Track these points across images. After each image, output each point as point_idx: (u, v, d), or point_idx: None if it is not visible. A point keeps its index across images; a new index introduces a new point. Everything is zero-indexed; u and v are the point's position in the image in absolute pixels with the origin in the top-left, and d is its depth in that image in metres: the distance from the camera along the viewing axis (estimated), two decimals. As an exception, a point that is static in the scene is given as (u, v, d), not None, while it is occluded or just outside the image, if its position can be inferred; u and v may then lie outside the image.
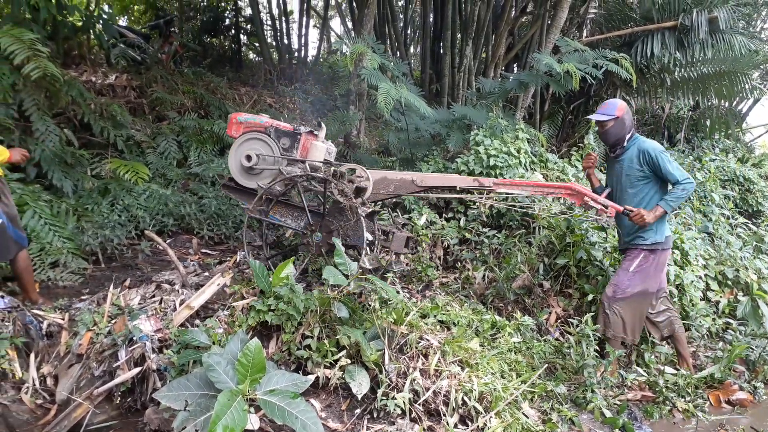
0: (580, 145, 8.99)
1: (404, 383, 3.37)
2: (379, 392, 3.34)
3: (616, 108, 4.19)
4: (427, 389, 3.37)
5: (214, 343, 3.49)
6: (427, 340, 3.67)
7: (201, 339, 3.45)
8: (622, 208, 4.05)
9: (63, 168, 6.34)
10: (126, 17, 14.83)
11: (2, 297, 3.91)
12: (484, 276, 5.25)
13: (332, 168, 4.40)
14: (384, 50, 6.88)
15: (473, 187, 4.41)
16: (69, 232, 5.55)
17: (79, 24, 7.63)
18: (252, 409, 2.92)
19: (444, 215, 6.26)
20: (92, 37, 8.80)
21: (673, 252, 4.84)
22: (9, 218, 4.10)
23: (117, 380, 3.54)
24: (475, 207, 5.95)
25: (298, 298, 3.68)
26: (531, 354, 4.10)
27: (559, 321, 4.72)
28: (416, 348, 3.59)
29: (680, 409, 3.92)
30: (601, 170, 6.65)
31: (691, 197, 7.43)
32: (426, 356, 3.57)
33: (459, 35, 11.77)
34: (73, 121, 7.38)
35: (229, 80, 11.99)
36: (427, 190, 4.52)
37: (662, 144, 11.38)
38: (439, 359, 3.51)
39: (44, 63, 5.33)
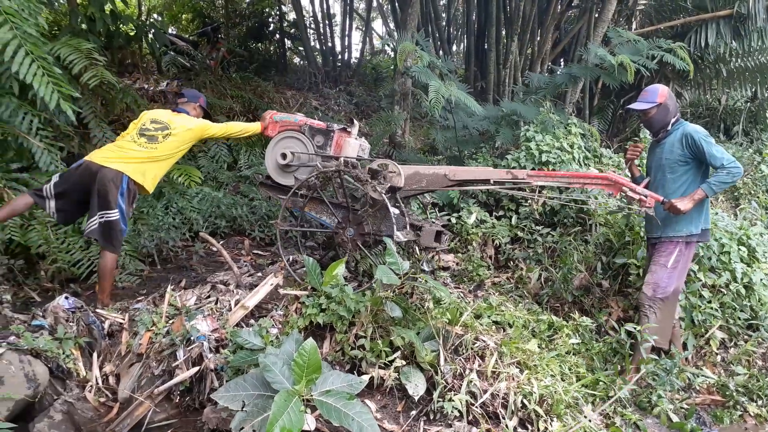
0: (635, 139, 8.69)
1: (461, 385, 3.30)
2: (436, 394, 3.28)
3: (657, 94, 4.00)
4: (485, 391, 3.28)
5: (267, 345, 3.49)
6: (483, 341, 3.58)
7: (254, 341, 3.46)
8: (661, 198, 3.81)
9: (119, 173, 6.50)
10: (175, 26, 15.20)
11: (67, 298, 4.02)
12: (539, 276, 5.12)
13: (357, 163, 4.36)
14: (429, 48, 6.81)
15: (506, 180, 4.27)
16: (127, 235, 5.68)
17: (132, 33, 7.83)
18: (308, 410, 2.90)
19: (494, 213, 6.15)
20: (144, 45, 9.04)
21: (739, 248, 4.59)
22: (123, 219, 4.38)
23: (176, 379, 3.59)
24: (527, 204, 5.81)
25: (349, 297, 3.65)
26: (590, 356, 3.96)
27: (619, 322, 4.55)
28: (472, 349, 3.51)
29: (752, 413, 3.72)
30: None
31: (756, 190, 7.08)
32: (482, 357, 3.49)
33: (504, 31, 11.61)
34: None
35: (275, 84, 12.15)
36: (461, 184, 4.42)
37: (719, 137, 10.94)
38: (496, 360, 3.42)
39: (101, 71, 5.48)
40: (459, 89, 6.11)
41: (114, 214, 4.31)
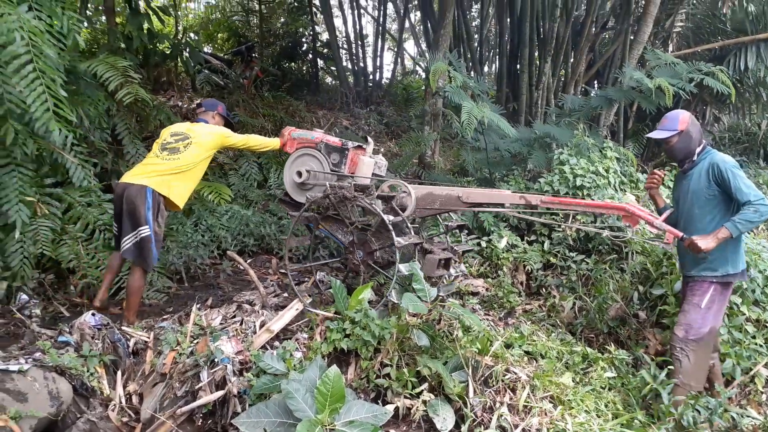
0: (661, 167, 8.46)
1: (491, 419, 3.16)
2: (464, 427, 3.15)
3: (678, 121, 3.70)
4: (516, 426, 3.14)
5: (290, 370, 3.40)
6: (515, 372, 3.44)
7: (277, 366, 3.38)
8: (681, 234, 3.52)
9: (150, 189, 6.56)
10: (210, 45, 15.49)
11: (93, 314, 4.01)
12: (573, 304, 4.95)
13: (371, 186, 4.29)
14: (462, 69, 6.75)
15: (520, 205, 4.13)
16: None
17: (168, 51, 7.97)
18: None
19: (526, 238, 6.00)
20: (179, 63, 9.18)
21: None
22: (155, 237, 4.41)
23: (199, 402, 3.53)
24: (561, 230, 5.66)
25: (374, 323, 3.55)
26: (627, 391, 3.76)
27: (656, 355, 4.34)
28: (503, 381, 3.37)
29: (802, 459, 3.48)
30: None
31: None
32: (514, 390, 3.35)
33: (537, 52, 11.52)
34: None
35: (307, 103, 12.23)
36: (474, 206, 4.30)
37: (758, 163, 10.59)
38: (528, 394, 3.28)
39: (135, 88, 5.55)
40: (492, 110, 6.02)
41: (145, 230, 4.32)
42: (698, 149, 3.72)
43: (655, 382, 3.57)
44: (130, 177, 4.42)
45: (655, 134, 3.81)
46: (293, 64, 15.25)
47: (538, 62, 11.50)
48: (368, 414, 2.84)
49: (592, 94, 7.44)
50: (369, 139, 4.69)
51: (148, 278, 5.39)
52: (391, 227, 3.83)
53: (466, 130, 5.59)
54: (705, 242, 3.41)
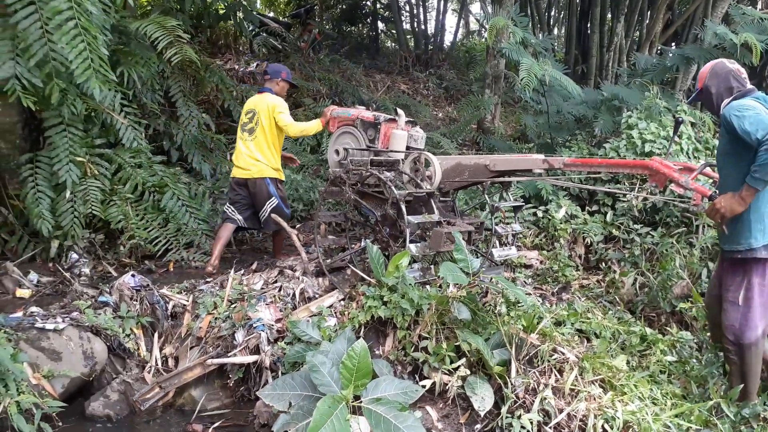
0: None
1: (533, 401, 2.92)
2: (504, 409, 2.92)
3: (698, 80, 3.15)
4: (561, 411, 2.88)
5: (324, 339, 3.27)
6: (562, 353, 3.16)
7: (312, 334, 3.26)
8: (709, 193, 2.94)
9: (203, 152, 6.57)
10: (271, 9, 15.41)
11: (133, 275, 4.02)
12: (634, 280, 4.56)
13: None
14: (525, 26, 6.30)
15: (543, 168, 3.78)
16: (204, 214, 5.71)
17: (222, 12, 7.88)
18: (359, 417, 2.64)
19: (588, 208, 5.60)
20: (232, 24, 9.11)
21: None
22: (282, 199, 4.91)
23: (231, 359, 3.48)
24: (625, 200, 5.23)
25: (413, 291, 3.35)
26: (688, 379, 3.41)
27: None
28: (549, 361, 3.10)
29: None
30: None
31: None
32: (560, 372, 3.08)
33: (609, 12, 10.78)
34: (216, 107, 7.67)
35: (365, 67, 11.98)
36: (502, 175, 3.98)
37: None
38: (576, 377, 3.00)
39: (184, 48, 5.46)
40: (555, 69, 5.59)
41: (273, 201, 4.86)
42: (725, 102, 3.00)
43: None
44: (242, 172, 4.85)
45: (689, 101, 3.28)
46: (353, 27, 14.99)
47: (610, 22, 10.78)
48: (398, 391, 2.67)
49: (669, 54, 6.80)
50: (399, 111, 4.47)
51: (195, 240, 5.43)
52: (402, 205, 3.60)
53: (525, 89, 5.21)
54: (727, 202, 2.80)
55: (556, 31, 17.02)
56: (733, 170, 2.89)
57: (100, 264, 4.95)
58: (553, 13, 16.24)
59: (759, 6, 11.56)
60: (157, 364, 3.68)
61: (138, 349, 3.69)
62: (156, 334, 3.83)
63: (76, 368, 3.18)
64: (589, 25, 10.65)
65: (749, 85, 3.01)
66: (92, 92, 4.24)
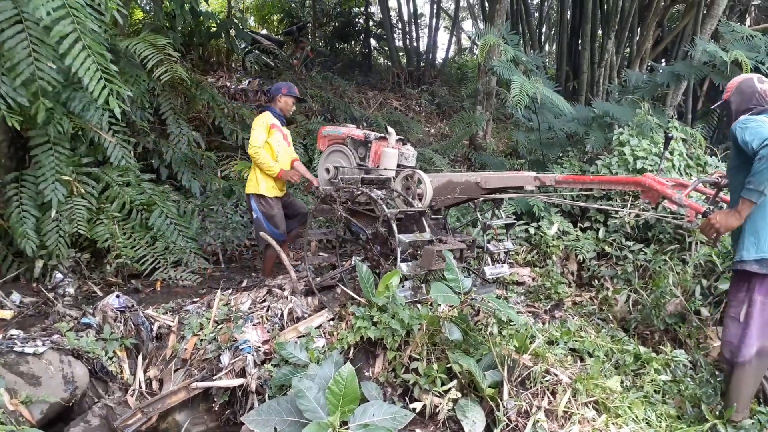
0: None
1: (525, 425, 2.85)
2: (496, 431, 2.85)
3: (726, 91, 3.15)
4: (554, 434, 2.82)
5: (312, 361, 3.19)
6: (555, 374, 3.10)
7: (299, 355, 3.18)
8: (703, 209, 2.90)
9: (192, 169, 6.51)
10: (264, 26, 15.46)
11: (118, 296, 3.94)
12: (627, 298, 4.51)
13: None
14: (517, 44, 6.31)
15: (535, 185, 3.75)
16: (193, 232, 5.64)
17: (213, 30, 7.87)
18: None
19: (579, 224, 5.57)
20: (223, 42, 9.11)
21: None
22: (266, 217, 4.84)
23: (216, 383, 3.40)
24: (618, 216, 5.19)
25: (403, 311, 3.28)
26: (683, 398, 3.34)
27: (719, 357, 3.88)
28: (542, 383, 3.04)
29: None
30: None
31: None
32: (553, 394, 3.01)
33: (600, 29, 10.86)
34: (207, 125, 7.64)
35: (357, 84, 12.00)
36: (495, 192, 3.95)
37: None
38: (569, 399, 2.94)
39: (173, 66, 5.43)
40: (546, 86, 5.58)
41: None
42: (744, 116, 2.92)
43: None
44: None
45: (716, 106, 3.27)
46: (345, 44, 15.05)
47: (601, 39, 10.86)
48: (386, 416, 2.59)
49: (659, 71, 6.82)
50: (390, 129, 4.44)
51: (184, 259, 5.35)
52: (393, 223, 3.55)
53: (516, 107, 5.19)
54: (723, 218, 2.75)
55: (547, 47, 17.16)
56: (740, 185, 2.79)
57: (86, 284, 4.86)
58: (544, 30, 16.37)
59: (747, 22, 11.70)
60: (140, 388, 3.59)
61: (121, 372, 3.60)
62: (140, 357, 3.74)
63: (55, 393, 3.08)
64: (579, 41, 10.71)
65: None
66: (114, 112, 4.20)
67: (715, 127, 10.41)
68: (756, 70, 5.57)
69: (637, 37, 10.75)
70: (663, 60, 11.65)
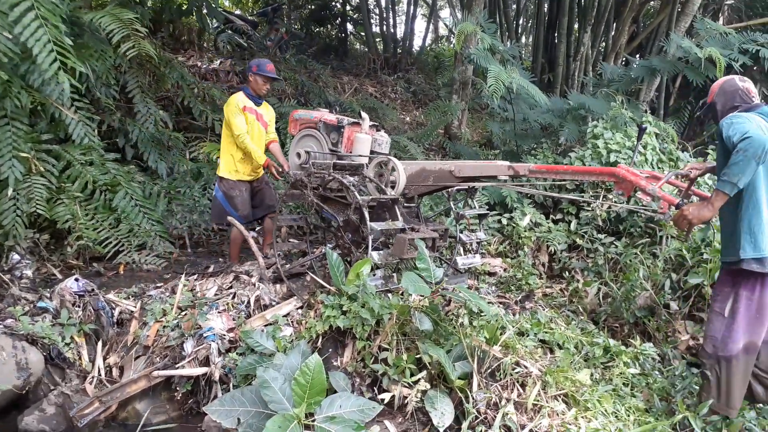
0: (712, 147, 7.79)
1: (495, 417, 2.81)
2: (465, 425, 2.80)
3: (709, 94, 3.15)
4: (523, 427, 2.78)
5: (279, 351, 3.11)
6: (525, 366, 3.07)
7: (266, 344, 3.09)
8: (676, 201, 2.86)
9: (159, 150, 6.31)
10: (239, 7, 15.11)
11: (77, 280, 3.78)
12: (597, 290, 4.52)
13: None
14: (494, 32, 6.25)
15: (509, 175, 3.72)
16: (159, 215, 5.47)
17: (184, 7, 7.62)
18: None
19: (552, 216, 5.57)
20: (194, 20, 8.84)
21: None
22: (225, 197, 4.69)
23: (179, 371, 3.29)
24: (589, 209, 5.20)
25: (373, 300, 3.21)
26: (651, 392, 3.36)
27: (689, 351, 3.92)
28: (511, 375, 3.01)
29: None
30: None
31: None
32: (523, 386, 2.99)
33: (576, 22, 10.88)
34: (176, 104, 7.41)
35: (332, 69, 11.81)
36: (467, 181, 3.90)
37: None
38: (539, 391, 2.91)
39: (140, 42, 5.22)
40: (522, 77, 5.54)
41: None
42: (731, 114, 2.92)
43: (683, 403, 2.99)
44: None
45: (700, 112, 3.25)
46: (321, 28, 14.81)
47: (577, 33, 10.89)
48: (354, 408, 2.53)
49: (633, 65, 6.84)
50: (363, 114, 4.35)
51: (149, 242, 5.19)
52: (365, 210, 3.48)
53: (493, 96, 5.13)
54: (695, 209, 2.72)
55: (523, 39, 17.15)
56: None
57: (45, 266, 4.67)
58: (521, 22, 16.36)
59: (720, 21, 11.85)
60: (99, 375, 3.45)
61: (79, 358, 3.45)
62: (100, 343, 3.59)
63: (8, 380, 2.94)
64: (556, 34, 10.73)
65: (756, 102, 2.99)
66: (62, 87, 4.00)
67: (686, 123, 10.55)
68: (729, 67, 5.62)
69: (613, 32, 10.82)
70: (637, 55, 11.75)
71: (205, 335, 3.41)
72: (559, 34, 10.43)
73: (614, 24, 10.86)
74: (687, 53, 5.58)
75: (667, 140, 5.71)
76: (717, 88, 3.10)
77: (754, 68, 8.17)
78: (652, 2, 11.81)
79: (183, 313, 3.69)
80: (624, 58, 9.76)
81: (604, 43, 10.96)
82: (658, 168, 5.30)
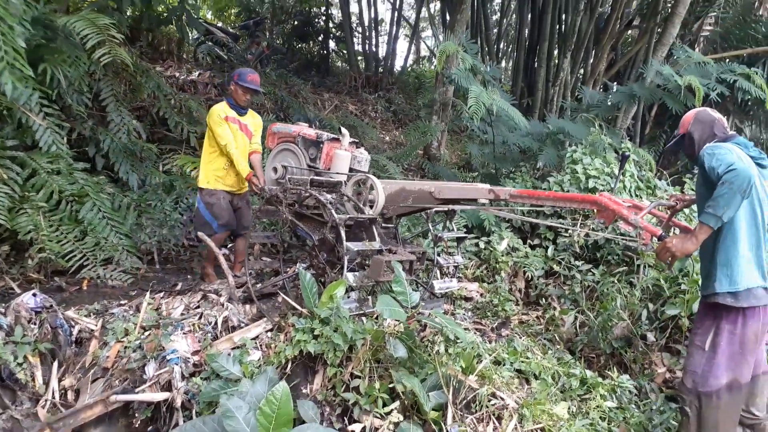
0: (689, 176, 7.84)
1: (469, 451, 2.71)
2: (438, 459, 2.69)
3: (680, 125, 3.10)
4: (498, 463, 2.68)
5: (245, 376, 2.96)
6: (502, 398, 2.97)
7: (232, 369, 2.94)
8: (659, 232, 2.78)
9: (131, 161, 6.13)
10: (221, 19, 15.03)
11: (35, 295, 3.57)
12: (574, 319, 4.46)
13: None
14: (476, 53, 6.25)
15: (489, 199, 3.67)
16: (127, 229, 5.29)
17: (164, 16, 7.48)
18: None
19: (529, 241, 5.52)
20: (173, 29, 8.71)
21: None
22: (205, 205, 4.55)
23: (138, 396, 3.10)
24: (567, 235, 5.17)
25: (347, 324, 3.08)
26: (627, 426, 3.28)
27: (664, 383, 3.86)
28: (487, 407, 2.91)
29: None
30: None
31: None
32: (499, 419, 2.89)
33: (556, 48, 11.02)
34: (151, 115, 7.24)
35: (313, 85, 11.75)
36: (448, 203, 3.83)
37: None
38: (515, 425, 2.81)
39: (115, 49, 5.06)
40: (502, 99, 5.52)
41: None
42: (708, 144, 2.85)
43: None
44: None
45: (668, 147, 3.18)
46: (303, 44, 14.77)
47: (557, 59, 11.02)
48: (322, 440, 2.39)
49: (613, 90, 6.89)
50: (344, 130, 4.26)
51: (115, 257, 5.00)
52: (342, 229, 3.37)
53: (473, 117, 5.09)
54: (679, 242, 2.64)
55: (503, 63, 17.35)
56: None
57: (2, 279, 4.45)
58: (502, 46, 16.54)
59: (696, 49, 12.12)
60: (54, 398, 3.25)
61: (32, 380, 3.25)
62: (55, 363, 3.39)
63: (-50, 403, 2.74)
64: (536, 59, 10.83)
65: (731, 133, 2.97)
66: (4, 88, 3.84)
67: (661, 152, 10.69)
68: (706, 96, 5.68)
69: (592, 59, 10.96)
70: (615, 83, 11.93)
71: (168, 358, 3.24)
72: (539, 59, 10.54)
73: (593, 51, 11.02)
74: (667, 80, 5.62)
75: (645, 168, 5.73)
76: (691, 118, 3.06)
77: (728, 98, 8.33)
78: (631, 31, 12.04)
79: (147, 333, 3.52)
80: (603, 84, 9.87)
81: (582, 70, 11.12)
82: (636, 196, 5.30)
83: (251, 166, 4.66)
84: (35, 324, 3.40)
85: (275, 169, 4.29)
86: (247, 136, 4.70)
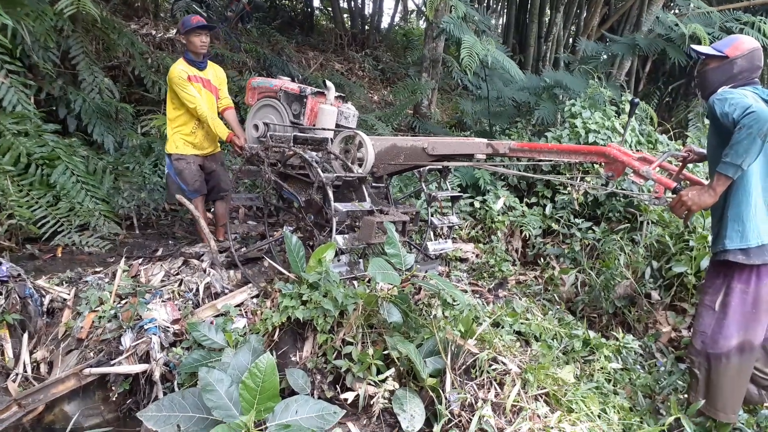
0: (687, 134, 7.60)
1: (470, 420, 2.53)
2: (437, 428, 2.51)
3: (730, 45, 2.64)
4: (501, 431, 2.50)
5: (230, 345, 2.75)
6: (504, 363, 2.79)
7: (214, 338, 2.73)
8: (673, 185, 2.59)
9: (106, 122, 5.80)
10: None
11: (1, 263, 3.32)
12: (575, 279, 4.28)
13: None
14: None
15: (486, 154, 3.43)
16: (104, 193, 5.02)
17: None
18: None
19: (526, 199, 5.30)
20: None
21: None
22: (175, 171, 4.33)
23: (114, 369, 2.90)
24: (566, 192, 4.95)
25: (337, 289, 2.87)
26: (634, 387, 3.13)
27: (669, 343, 3.71)
28: (488, 373, 2.72)
29: None
30: None
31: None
32: (501, 385, 2.70)
33: (548, 3, 10.65)
34: (127, 75, 6.88)
35: (297, 43, 11.31)
36: (442, 159, 3.59)
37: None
38: (518, 391, 2.64)
39: (80, 0, 4.69)
40: (497, 50, 5.22)
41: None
42: (728, 87, 2.58)
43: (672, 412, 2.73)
44: None
45: (699, 48, 2.75)
46: (287, 1, 14.22)
47: (549, 13, 10.65)
48: (313, 413, 2.20)
49: (613, 41, 6.57)
50: (329, 84, 3.97)
51: (92, 222, 4.74)
52: (329, 190, 3.13)
53: (466, 70, 4.80)
54: (696, 195, 2.46)
55: (494, 21, 16.87)
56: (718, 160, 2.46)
57: (-31, 248, 4.19)
58: (491, 3, 16.06)
59: (691, 5, 11.77)
60: (25, 372, 3.04)
61: (1, 353, 3.03)
62: (26, 335, 3.17)
63: None
64: (527, 15, 10.46)
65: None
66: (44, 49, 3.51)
67: (655, 109, 10.43)
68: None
69: (585, 14, 10.61)
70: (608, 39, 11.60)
71: (146, 327, 3.02)
72: (531, 15, 10.16)
73: (586, 5, 10.66)
74: (669, 30, 5.34)
75: (646, 122, 5.49)
76: (748, 48, 2.62)
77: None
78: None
79: (123, 301, 3.29)
80: (600, 35, 9.55)
81: (575, 26, 10.76)
82: (637, 150, 5.07)
83: (227, 126, 4.38)
84: (2, 294, 3.16)
85: (256, 127, 4.01)
86: (212, 92, 4.40)
